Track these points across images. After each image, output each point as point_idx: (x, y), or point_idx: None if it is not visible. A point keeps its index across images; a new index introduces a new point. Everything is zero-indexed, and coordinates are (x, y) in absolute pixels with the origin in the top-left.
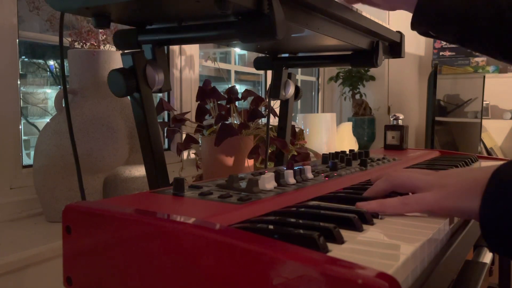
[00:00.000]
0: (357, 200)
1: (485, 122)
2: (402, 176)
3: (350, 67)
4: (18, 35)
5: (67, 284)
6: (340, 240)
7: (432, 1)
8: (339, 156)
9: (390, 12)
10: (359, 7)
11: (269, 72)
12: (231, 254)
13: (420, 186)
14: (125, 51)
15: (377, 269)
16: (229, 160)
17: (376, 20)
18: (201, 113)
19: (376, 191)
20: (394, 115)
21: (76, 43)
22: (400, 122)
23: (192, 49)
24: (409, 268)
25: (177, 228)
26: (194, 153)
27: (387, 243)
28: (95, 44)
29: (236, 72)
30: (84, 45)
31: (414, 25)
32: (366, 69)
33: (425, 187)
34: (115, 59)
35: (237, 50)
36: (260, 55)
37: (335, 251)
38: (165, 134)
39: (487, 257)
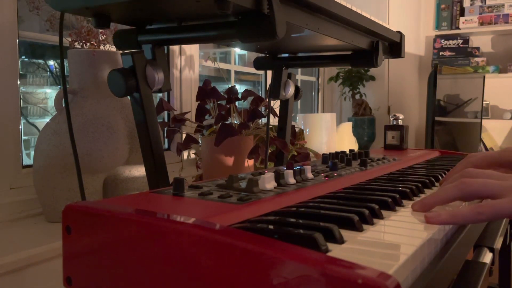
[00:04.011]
0: (357, 200)
1: (485, 122)
2: (476, 183)
3: (350, 67)
4: (18, 35)
5: (67, 284)
6: (340, 240)
7: None
8: (339, 156)
9: (390, 12)
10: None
11: (269, 72)
12: (231, 254)
13: (497, 192)
14: (125, 51)
15: (377, 269)
16: (229, 160)
17: (376, 20)
18: (201, 113)
19: (442, 199)
20: (394, 115)
21: (76, 43)
22: (400, 122)
23: (192, 49)
24: (409, 268)
25: (177, 228)
26: (194, 153)
27: (387, 243)
28: (95, 44)
29: (236, 72)
30: (84, 45)
31: None
32: (366, 69)
33: (502, 193)
34: (115, 59)
35: (237, 50)
36: (260, 55)
37: (335, 251)
38: (165, 134)
39: (487, 257)
